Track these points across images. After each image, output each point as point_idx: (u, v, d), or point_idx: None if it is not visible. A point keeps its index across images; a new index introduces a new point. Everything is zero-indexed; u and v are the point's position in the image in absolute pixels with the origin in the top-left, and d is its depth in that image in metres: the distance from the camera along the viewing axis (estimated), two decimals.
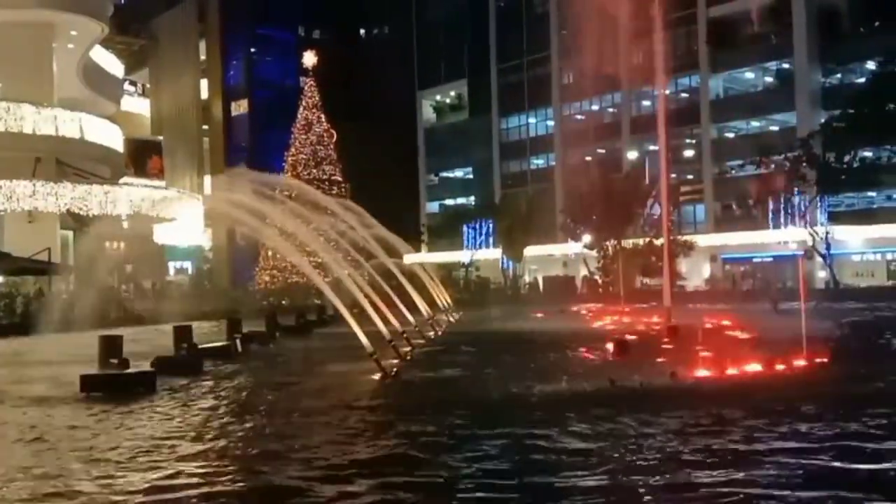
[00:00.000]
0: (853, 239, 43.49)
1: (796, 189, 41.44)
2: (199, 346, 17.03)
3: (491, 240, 55.16)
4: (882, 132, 36.40)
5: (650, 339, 18.51)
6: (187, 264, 68.39)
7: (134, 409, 10.53)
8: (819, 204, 41.48)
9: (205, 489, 6.40)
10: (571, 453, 7.33)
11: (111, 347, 14.25)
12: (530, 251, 52.81)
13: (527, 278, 55.54)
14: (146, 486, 6.57)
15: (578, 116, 59.94)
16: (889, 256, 45.28)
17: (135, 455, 7.70)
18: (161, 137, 67.37)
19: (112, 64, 48.25)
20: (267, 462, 7.28)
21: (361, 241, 25.30)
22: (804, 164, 40.12)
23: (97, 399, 11.48)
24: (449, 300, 32.80)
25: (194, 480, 6.69)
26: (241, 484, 6.59)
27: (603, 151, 56.69)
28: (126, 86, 59.25)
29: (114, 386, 12.21)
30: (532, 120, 63.41)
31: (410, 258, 35.51)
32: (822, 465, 6.62)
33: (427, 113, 72.83)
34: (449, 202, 70.45)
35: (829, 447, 7.19)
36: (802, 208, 41.54)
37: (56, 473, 7.01)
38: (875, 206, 45.19)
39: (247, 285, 51.53)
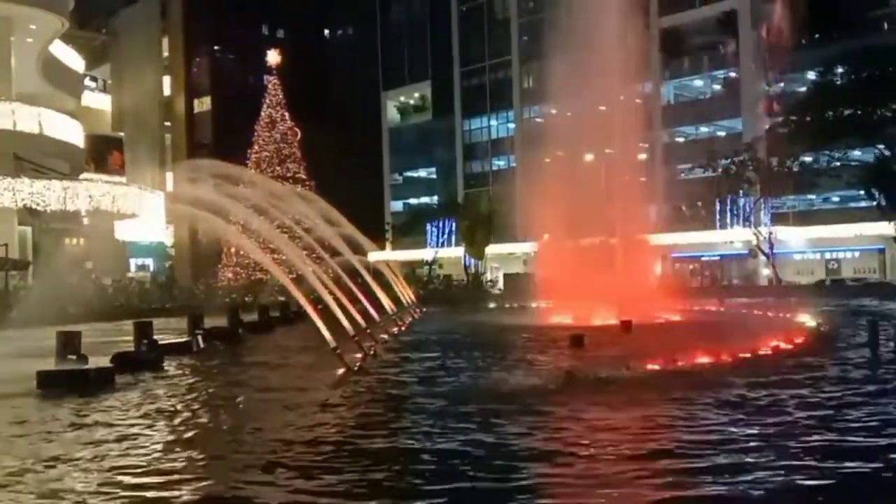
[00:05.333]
0: (794, 239, 45.60)
1: (742, 192, 43.27)
2: (160, 343, 16.99)
3: (454, 238, 55.72)
4: (821, 138, 37.93)
5: (605, 333, 19.08)
6: (149, 261, 67.72)
7: (84, 407, 10.44)
8: (763, 206, 43.28)
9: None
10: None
11: (69, 343, 14.15)
12: (492, 249, 53.59)
13: (489, 276, 56.21)
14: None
15: (538, 119, 61.08)
16: (827, 255, 47.31)
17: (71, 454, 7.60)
18: (122, 133, 66.60)
19: (72, 59, 47.56)
20: (213, 466, 7.15)
21: (326, 238, 25.44)
22: (749, 168, 41.92)
23: (53, 395, 11.48)
24: (413, 297, 33.12)
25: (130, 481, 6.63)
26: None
27: (561, 154, 57.79)
28: (87, 81, 58.43)
29: (71, 382, 12.12)
30: (494, 122, 64.27)
31: (375, 256, 35.77)
32: None
33: (391, 113, 73.14)
34: (413, 201, 70.93)
35: None
36: (747, 210, 43.34)
37: None
38: (815, 208, 47.19)
39: (209, 282, 51.20)
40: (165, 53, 72.48)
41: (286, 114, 54.60)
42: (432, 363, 14.38)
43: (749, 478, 6.13)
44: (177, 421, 9.44)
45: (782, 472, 6.30)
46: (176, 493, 6.21)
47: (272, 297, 31.35)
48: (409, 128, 71.89)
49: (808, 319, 20.69)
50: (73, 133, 39.63)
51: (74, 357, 13.50)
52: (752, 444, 7.30)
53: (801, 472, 6.29)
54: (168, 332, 19.48)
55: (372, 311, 21.80)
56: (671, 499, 5.79)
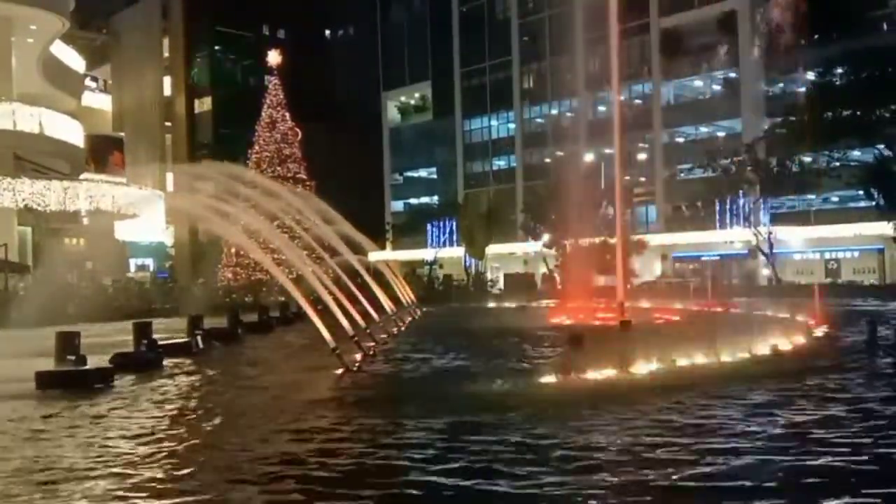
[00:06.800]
0: (794, 239, 45.64)
1: (741, 191, 43.27)
2: (160, 343, 16.97)
3: (454, 238, 55.77)
4: (820, 139, 37.93)
5: (604, 333, 19.14)
6: (149, 261, 67.78)
7: (83, 406, 10.47)
8: (762, 206, 43.30)
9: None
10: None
11: (68, 343, 14.13)
12: (492, 249, 53.65)
13: (489, 275, 56.29)
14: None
15: (538, 120, 61.20)
16: (827, 256, 47.37)
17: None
18: (122, 133, 66.63)
19: (73, 59, 47.63)
20: (207, 468, 7.09)
21: (326, 237, 25.44)
22: (749, 168, 41.94)
23: (52, 396, 11.47)
24: (413, 297, 33.12)
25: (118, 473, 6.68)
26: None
27: (561, 154, 57.99)
28: (87, 81, 58.50)
29: (70, 382, 12.15)
30: (494, 122, 64.39)
31: (375, 256, 35.76)
32: None
33: (392, 113, 73.24)
34: (413, 201, 71.01)
35: None
36: (747, 210, 43.38)
37: None
38: (814, 208, 47.21)
39: (209, 282, 51.21)
40: (166, 54, 72.54)
41: (287, 114, 54.56)
42: (431, 364, 14.41)
43: None
44: (174, 421, 9.48)
45: None
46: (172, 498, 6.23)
47: (272, 297, 31.38)
48: (410, 128, 72.00)
49: (808, 319, 20.66)
50: (73, 133, 39.69)
51: (73, 357, 13.49)
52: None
53: None
54: (168, 332, 19.48)
55: (372, 312, 21.79)
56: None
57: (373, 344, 16.55)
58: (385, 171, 71.99)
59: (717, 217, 45.64)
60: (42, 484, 6.51)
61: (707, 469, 6.47)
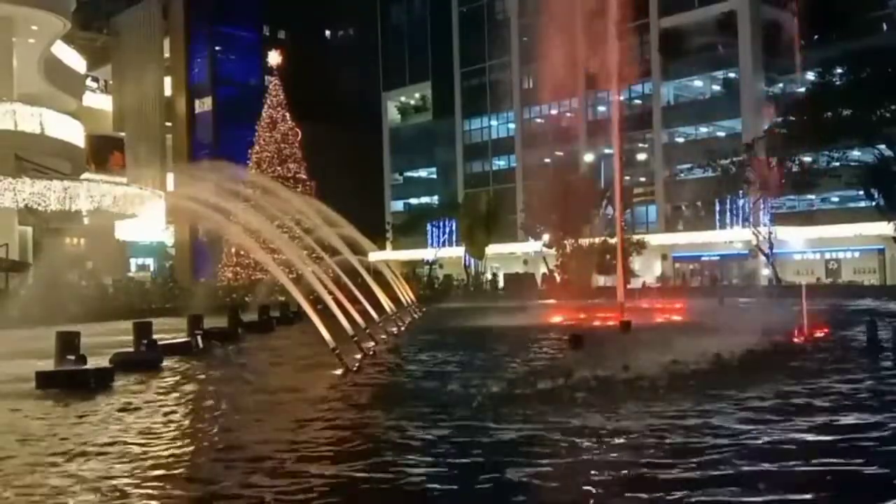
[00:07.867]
0: (794, 239, 45.66)
1: (741, 192, 43.28)
2: (160, 343, 16.96)
3: (454, 238, 55.85)
4: (820, 139, 37.93)
5: (604, 333, 19.17)
6: (149, 261, 67.87)
7: (80, 406, 10.46)
8: (762, 206, 43.32)
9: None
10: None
11: (68, 343, 14.12)
12: (492, 249, 53.71)
13: (489, 275, 56.36)
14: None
15: (538, 120, 61.20)
16: (827, 256, 47.41)
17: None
18: (123, 133, 66.72)
19: (74, 59, 47.67)
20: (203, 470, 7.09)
21: (326, 238, 25.45)
22: (748, 168, 41.96)
23: (51, 396, 11.46)
24: (413, 297, 33.14)
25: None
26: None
27: (561, 154, 58.06)
28: (88, 82, 58.55)
29: (70, 382, 12.15)
30: (494, 122, 64.47)
31: (375, 256, 35.81)
32: None
33: (392, 113, 73.29)
34: (413, 201, 71.08)
35: None
36: (747, 210, 43.40)
37: None
38: (814, 208, 47.23)
39: (209, 282, 51.24)
40: (166, 54, 72.59)
41: (287, 114, 54.61)
42: (430, 364, 14.43)
43: None
44: (174, 421, 9.49)
45: None
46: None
47: (272, 297, 31.38)
48: (410, 128, 72.07)
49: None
50: (74, 133, 39.75)
51: (73, 357, 13.48)
52: None
53: None
54: (168, 332, 19.48)
55: (371, 311, 21.80)
56: None
57: (372, 344, 16.57)
58: (385, 171, 72.04)
59: (717, 217, 45.70)
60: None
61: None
